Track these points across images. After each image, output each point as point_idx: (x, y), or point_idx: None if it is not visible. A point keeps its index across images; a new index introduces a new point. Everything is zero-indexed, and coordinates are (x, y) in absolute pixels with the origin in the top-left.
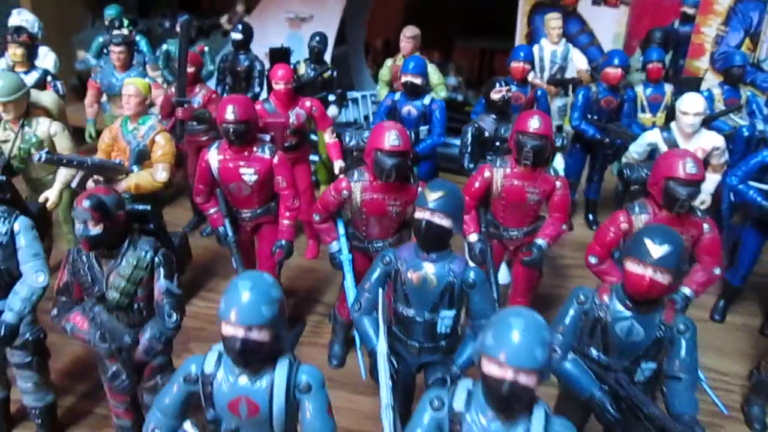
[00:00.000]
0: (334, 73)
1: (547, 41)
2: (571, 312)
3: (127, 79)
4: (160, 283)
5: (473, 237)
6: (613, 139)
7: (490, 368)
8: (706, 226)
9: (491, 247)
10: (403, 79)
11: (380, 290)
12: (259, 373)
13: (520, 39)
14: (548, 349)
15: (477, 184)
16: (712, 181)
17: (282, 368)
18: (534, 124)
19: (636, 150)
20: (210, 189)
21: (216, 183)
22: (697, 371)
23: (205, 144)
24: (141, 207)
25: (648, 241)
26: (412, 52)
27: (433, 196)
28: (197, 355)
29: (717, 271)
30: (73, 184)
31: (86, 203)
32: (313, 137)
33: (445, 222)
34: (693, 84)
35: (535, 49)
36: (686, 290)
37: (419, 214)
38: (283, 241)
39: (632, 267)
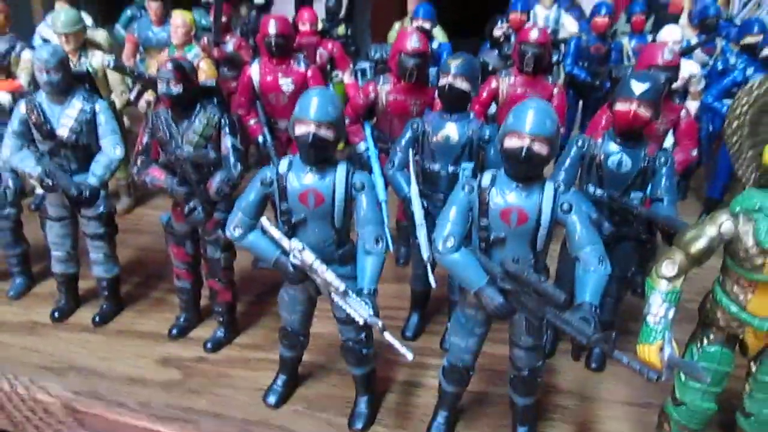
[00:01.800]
0: (349, 30)
1: (541, 6)
2: (572, 153)
3: (175, 11)
4: (226, 139)
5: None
6: (602, 81)
7: (511, 142)
8: (683, 111)
9: None
10: (414, 24)
11: (410, 150)
12: (323, 172)
13: None
14: (556, 124)
15: (485, 94)
16: (693, 107)
17: (342, 169)
18: (534, 34)
19: None
20: (250, 101)
21: (255, 96)
22: (676, 193)
23: (234, 90)
24: (209, 82)
25: (632, 81)
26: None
27: (455, 63)
28: (269, 166)
29: (694, 152)
30: (132, 96)
31: (169, 65)
32: None
33: (464, 85)
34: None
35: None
36: None
37: (443, 80)
38: None
39: (620, 105)
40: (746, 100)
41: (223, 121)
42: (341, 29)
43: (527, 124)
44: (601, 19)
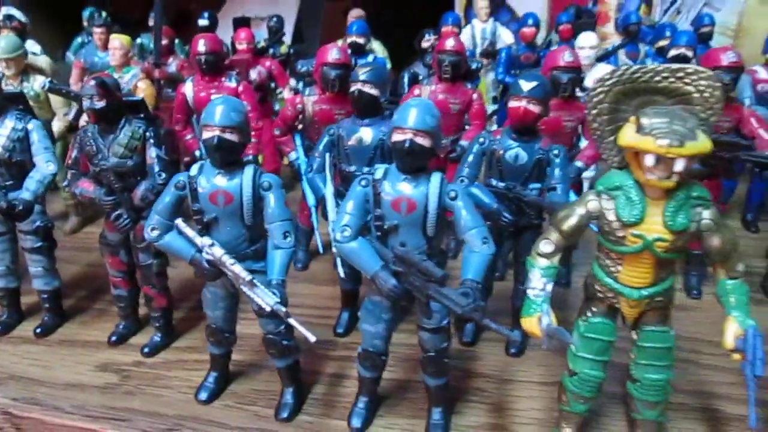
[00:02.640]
0: (291, 50)
1: (478, 20)
2: (474, 150)
3: (113, 35)
4: (151, 150)
5: None
6: None
7: (396, 136)
8: None
9: None
10: (348, 39)
11: (327, 154)
12: (232, 174)
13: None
14: (437, 119)
15: None
16: None
17: (249, 170)
18: (449, 43)
19: None
20: (187, 118)
21: (191, 112)
22: (569, 182)
23: None
24: (134, 98)
25: (521, 81)
26: None
27: (362, 71)
28: (183, 172)
29: None
30: (70, 116)
31: (92, 82)
32: None
33: (373, 91)
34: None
35: (468, 28)
36: (578, 163)
37: (353, 87)
38: (251, 156)
39: (512, 103)
40: (602, 90)
41: (148, 133)
42: (284, 48)
43: (409, 120)
44: (528, 30)
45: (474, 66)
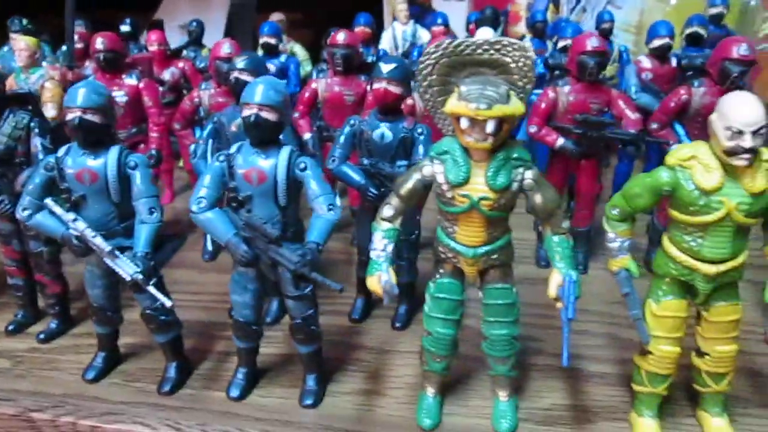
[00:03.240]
0: None
1: (398, 23)
2: (345, 131)
3: (18, 35)
4: (35, 140)
5: (307, 135)
6: None
7: (244, 111)
8: None
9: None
10: (261, 40)
11: (210, 140)
12: (97, 153)
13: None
14: (282, 95)
15: (307, 94)
16: None
17: (114, 150)
18: (340, 37)
19: None
20: None
21: None
22: None
23: None
24: (23, 90)
25: (381, 63)
26: None
27: (240, 60)
28: (53, 154)
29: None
30: None
31: None
32: None
33: (246, 77)
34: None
35: (389, 31)
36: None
37: (376, 85)
38: (153, 150)
39: (374, 85)
40: (429, 62)
41: (32, 124)
42: (205, 51)
43: (255, 96)
44: (437, 28)
45: (369, 59)
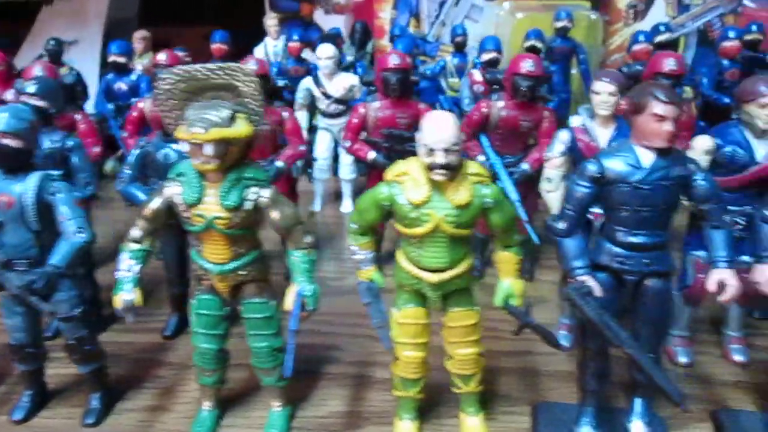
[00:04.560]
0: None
1: (270, 38)
2: (135, 153)
3: None
4: None
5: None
6: None
7: None
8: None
9: None
10: (109, 59)
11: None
12: (14, 179)
13: None
14: (27, 123)
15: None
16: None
17: (34, 176)
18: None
19: None
20: None
21: None
22: None
23: None
24: None
25: None
26: (143, 52)
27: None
28: None
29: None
30: None
31: None
32: None
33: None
34: None
35: (261, 46)
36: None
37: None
38: None
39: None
40: (166, 88)
41: None
42: (63, 70)
43: None
44: (293, 44)
45: (280, 83)
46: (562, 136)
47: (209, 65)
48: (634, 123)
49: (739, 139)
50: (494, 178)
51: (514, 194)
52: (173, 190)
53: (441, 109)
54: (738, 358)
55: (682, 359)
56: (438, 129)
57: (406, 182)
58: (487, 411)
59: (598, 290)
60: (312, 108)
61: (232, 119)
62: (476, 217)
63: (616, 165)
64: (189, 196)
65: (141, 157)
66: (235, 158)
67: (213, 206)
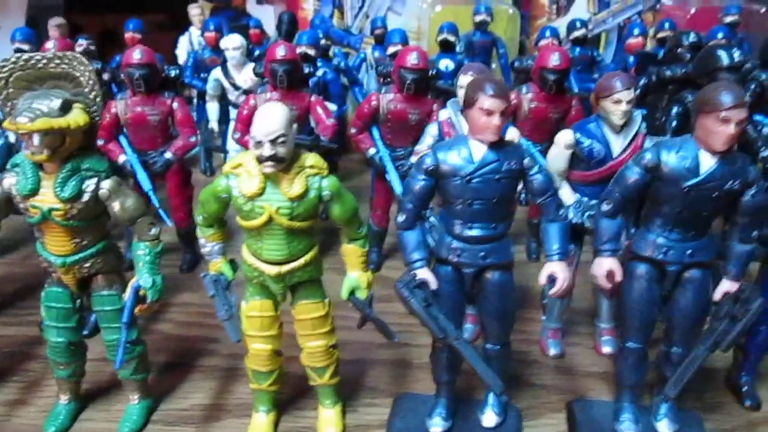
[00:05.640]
0: None
1: (194, 28)
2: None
3: None
4: None
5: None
6: None
7: None
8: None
9: None
10: (13, 46)
11: None
12: None
13: None
14: None
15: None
16: None
17: None
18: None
19: None
20: None
21: None
22: None
23: None
24: None
25: None
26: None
27: None
28: None
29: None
30: None
31: None
32: None
33: None
34: None
35: (186, 35)
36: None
37: None
38: None
39: None
40: (1, 76)
41: None
42: None
43: None
44: (209, 34)
45: (172, 73)
46: (431, 130)
47: (48, 54)
48: (467, 117)
49: (597, 134)
50: (384, 170)
51: (398, 187)
52: (9, 181)
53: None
54: (606, 349)
55: (553, 351)
56: (264, 121)
57: (242, 175)
58: (349, 403)
59: (433, 283)
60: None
61: (64, 109)
62: (314, 210)
63: (450, 158)
64: (23, 187)
65: (4, 148)
66: (73, 148)
67: (49, 197)
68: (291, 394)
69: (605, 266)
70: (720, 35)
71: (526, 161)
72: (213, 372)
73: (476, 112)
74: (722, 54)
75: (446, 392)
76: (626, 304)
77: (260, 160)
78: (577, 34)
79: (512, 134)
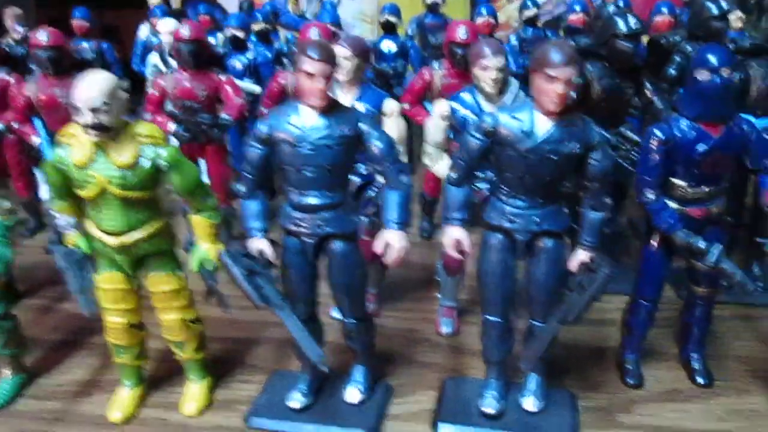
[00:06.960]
0: None
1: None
2: None
3: None
4: None
5: None
6: None
7: None
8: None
9: None
10: None
11: None
12: None
13: None
14: None
15: None
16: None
17: None
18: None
19: None
20: None
21: None
22: None
23: None
24: None
25: None
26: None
27: None
28: None
29: None
30: None
31: None
32: None
33: None
34: None
35: (146, 24)
36: None
37: None
38: None
39: None
40: None
41: None
42: None
43: None
44: (157, 20)
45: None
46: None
47: None
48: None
49: (471, 104)
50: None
51: None
52: None
53: None
54: (445, 329)
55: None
56: (83, 89)
57: (74, 144)
58: (224, 379)
59: (270, 254)
60: None
61: None
62: (148, 180)
63: (282, 125)
64: None
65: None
66: None
67: None
68: (166, 369)
69: (453, 235)
70: (664, 10)
71: (362, 126)
72: (98, 348)
73: (300, 76)
74: (619, 21)
75: (309, 368)
76: (481, 276)
77: (84, 127)
78: (528, 14)
79: (390, 107)
